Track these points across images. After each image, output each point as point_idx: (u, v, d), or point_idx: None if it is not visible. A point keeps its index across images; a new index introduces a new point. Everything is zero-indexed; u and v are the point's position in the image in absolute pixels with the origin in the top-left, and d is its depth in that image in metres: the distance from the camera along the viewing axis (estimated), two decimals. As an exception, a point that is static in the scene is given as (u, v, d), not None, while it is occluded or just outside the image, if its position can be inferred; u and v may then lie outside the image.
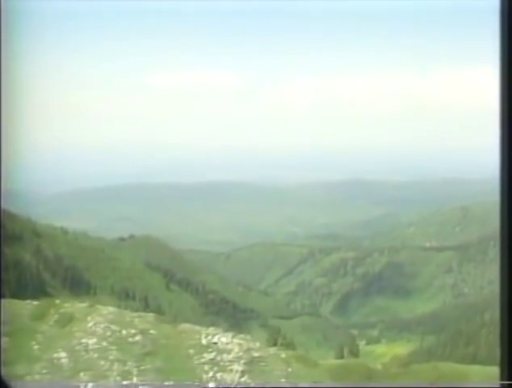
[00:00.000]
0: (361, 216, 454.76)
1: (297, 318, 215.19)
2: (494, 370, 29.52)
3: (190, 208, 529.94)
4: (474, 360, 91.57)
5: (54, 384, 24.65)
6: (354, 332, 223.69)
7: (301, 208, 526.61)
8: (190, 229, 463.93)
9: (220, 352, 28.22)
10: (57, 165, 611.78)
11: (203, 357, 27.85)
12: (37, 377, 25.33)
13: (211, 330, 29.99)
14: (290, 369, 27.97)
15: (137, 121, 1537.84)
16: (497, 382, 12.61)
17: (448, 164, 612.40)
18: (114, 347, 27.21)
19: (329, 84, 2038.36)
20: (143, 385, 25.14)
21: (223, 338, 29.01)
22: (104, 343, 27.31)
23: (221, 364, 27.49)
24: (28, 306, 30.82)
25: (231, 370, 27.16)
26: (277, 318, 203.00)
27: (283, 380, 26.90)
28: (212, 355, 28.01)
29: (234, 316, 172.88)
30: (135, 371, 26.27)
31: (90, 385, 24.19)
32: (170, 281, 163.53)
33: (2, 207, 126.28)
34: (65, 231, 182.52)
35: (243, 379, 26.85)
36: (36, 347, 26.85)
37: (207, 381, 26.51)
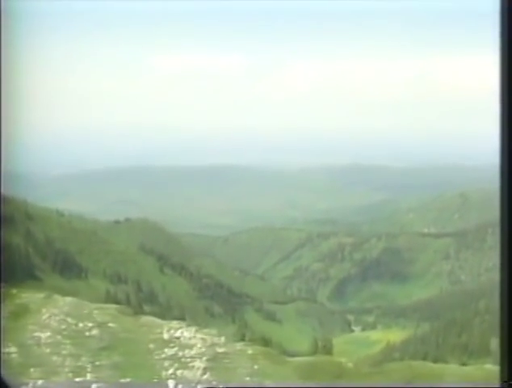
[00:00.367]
0: (361, 201, 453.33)
1: (292, 303, 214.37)
2: (471, 370, 28.00)
3: (190, 191, 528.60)
4: (465, 350, 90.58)
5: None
6: (350, 318, 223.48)
7: (301, 192, 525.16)
8: (190, 212, 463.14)
9: (182, 347, 26.73)
10: (58, 147, 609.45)
11: (163, 353, 26.36)
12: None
13: (174, 323, 28.41)
14: (256, 367, 26.44)
15: (139, 104, 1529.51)
16: (497, 382, 11.93)
17: (449, 150, 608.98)
18: (68, 342, 25.68)
19: (332, 69, 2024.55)
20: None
21: (186, 332, 27.47)
22: (58, 337, 25.76)
23: (182, 360, 25.97)
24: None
25: (192, 367, 25.62)
26: (272, 303, 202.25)
27: (247, 379, 25.36)
28: (174, 350, 26.52)
29: (228, 301, 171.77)
30: (89, 367, 24.72)
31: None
32: (164, 265, 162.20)
33: (2, 191, 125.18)
34: (60, 214, 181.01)
35: (205, 377, 25.32)
36: (-15, 341, 25.32)
37: (167, 379, 24.99)
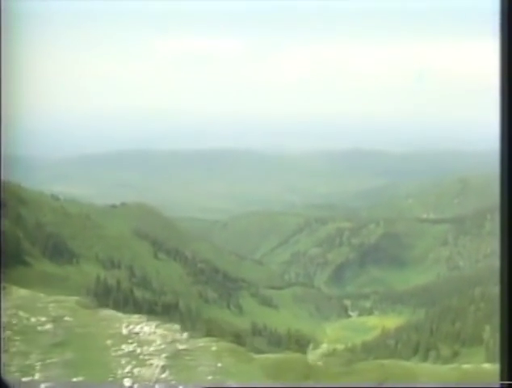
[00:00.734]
0: (360, 186, 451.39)
1: (289, 288, 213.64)
2: (446, 370, 26.49)
3: (190, 175, 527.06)
4: (458, 338, 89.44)
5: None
6: (347, 303, 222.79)
7: (301, 177, 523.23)
8: (189, 196, 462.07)
9: (141, 343, 25.16)
10: (58, 131, 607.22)
11: (120, 349, 24.79)
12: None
13: (134, 318, 26.80)
14: (220, 364, 24.89)
15: (139, 87, 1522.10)
16: (497, 382, 12.48)
17: (449, 135, 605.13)
18: (18, 338, 24.09)
19: (332, 54, 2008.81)
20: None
21: (146, 327, 25.89)
22: (8, 333, 24.17)
23: (140, 357, 24.42)
24: None
25: (150, 365, 24.08)
26: (268, 288, 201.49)
27: (209, 377, 23.82)
28: (132, 347, 24.96)
29: (224, 286, 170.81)
30: (38, 365, 23.15)
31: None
32: (159, 250, 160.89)
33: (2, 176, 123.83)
34: (55, 198, 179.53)
35: (163, 375, 23.79)
36: None
37: (122, 377, 23.46)
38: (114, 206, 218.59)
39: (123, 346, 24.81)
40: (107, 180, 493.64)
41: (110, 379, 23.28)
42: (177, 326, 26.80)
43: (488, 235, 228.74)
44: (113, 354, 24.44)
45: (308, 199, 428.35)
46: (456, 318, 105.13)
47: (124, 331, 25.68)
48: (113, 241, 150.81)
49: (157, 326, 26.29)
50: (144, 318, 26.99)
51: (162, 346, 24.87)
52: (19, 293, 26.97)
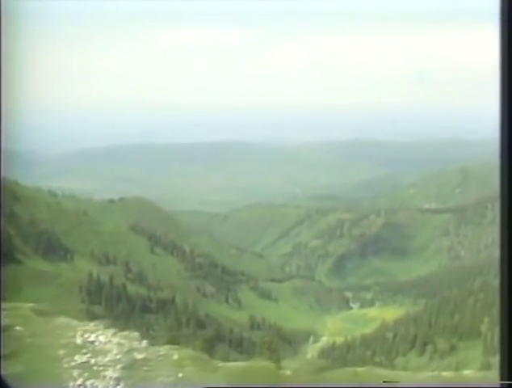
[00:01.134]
0: (362, 176, 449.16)
1: (289, 280, 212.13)
2: (425, 378, 24.73)
3: (190, 168, 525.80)
4: (456, 331, 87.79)
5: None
6: (349, 295, 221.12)
7: (302, 168, 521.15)
8: (190, 189, 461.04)
9: (96, 353, 23.41)
10: (59, 126, 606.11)
11: (73, 360, 23.05)
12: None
13: (90, 326, 25.03)
14: (181, 375, 23.15)
15: (138, 81, 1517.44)
16: (497, 382, 12.08)
17: (450, 125, 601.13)
18: (-39, 351, 22.36)
19: (332, 45, 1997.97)
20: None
21: (102, 336, 24.12)
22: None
23: (94, 368, 22.68)
24: None
25: (104, 377, 22.33)
26: (268, 281, 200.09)
27: (167, 389, 22.08)
28: (86, 357, 23.22)
29: (222, 279, 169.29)
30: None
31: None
32: (155, 245, 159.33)
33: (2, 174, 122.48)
34: (52, 194, 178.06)
35: (118, 387, 22.07)
36: None
37: (75, 390, 21.76)
38: (112, 201, 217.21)
39: (77, 357, 23.08)
40: (106, 175, 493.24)
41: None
42: (136, 334, 25.03)
43: (489, 225, 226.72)
44: (65, 365, 22.75)
45: (309, 190, 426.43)
46: (456, 310, 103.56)
47: (79, 340, 23.96)
48: (109, 236, 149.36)
49: (113, 335, 24.51)
50: (100, 325, 25.20)
51: (118, 356, 23.13)
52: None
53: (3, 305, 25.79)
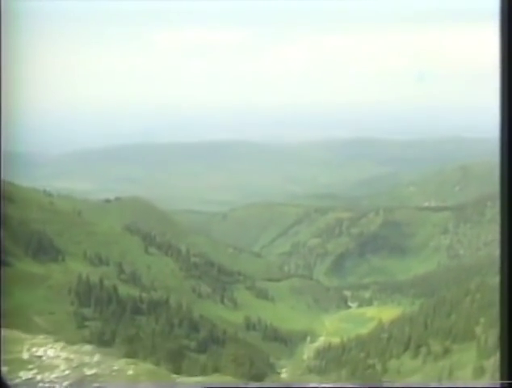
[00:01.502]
0: (362, 175, 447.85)
1: (287, 280, 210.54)
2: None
3: (190, 168, 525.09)
4: (450, 333, 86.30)
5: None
6: (347, 294, 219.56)
7: (302, 167, 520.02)
8: (189, 189, 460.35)
9: (42, 369, 21.91)
10: (59, 127, 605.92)
11: (18, 377, 21.56)
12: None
13: (39, 339, 23.51)
14: (132, 391, 21.68)
15: (137, 81, 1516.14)
16: (497, 382, 11.99)
17: (450, 123, 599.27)
18: None
19: (332, 43, 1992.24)
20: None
21: (50, 350, 22.61)
22: None
23: (39, 386, 21.19)
24: None
25: (50, 395, 20.84)
26: (265, 281, 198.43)
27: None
28: (31, 373, 21.72)
29: (218, 279, 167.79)
30: None
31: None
32: (150, 245, 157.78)
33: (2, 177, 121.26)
34: (48, 194, 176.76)
35: (64, 407, 20.56)
36: None
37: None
38: (108, 201, 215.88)
39: (22, 373, 21.59)
40: (106, 175, 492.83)
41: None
42: (88, 347, 23.54)
43: (489, 223, 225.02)
44: (8, 383, 21.23)
45: (309, 189, 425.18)
46: (452, 311, 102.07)
47: (25, 355, 22.48)
48: (102, 237, 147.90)
49: (62, 349, 23.01)
50: (50, 339, 23.70)
51: (66, 372, 21.65)
52: None
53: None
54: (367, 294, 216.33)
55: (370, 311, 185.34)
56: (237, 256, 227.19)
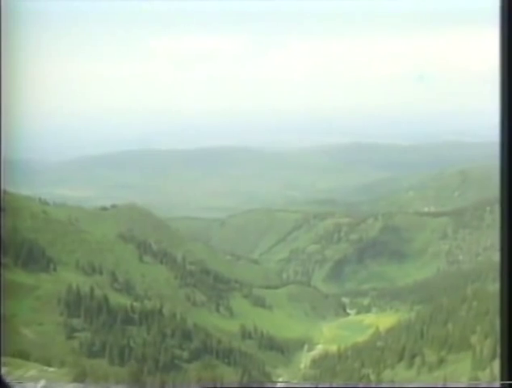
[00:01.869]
0: (361, 180, 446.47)
1: (284, 287, 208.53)
2: None
3: (189, 174, 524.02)
4: (445, 342, 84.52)
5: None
6: (345, 300, 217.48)
7: (301, 172, 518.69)
8: (188, 195, 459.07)
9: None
10: (57, 134, 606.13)
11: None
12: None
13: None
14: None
15: (136, 87, 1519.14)
16: (497, 382, 8.92)
17: (449, 128, 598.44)
18: None
19: (331, 48, 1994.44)
20: None
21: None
22: None
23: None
24: None
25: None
26: (263, 288, 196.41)
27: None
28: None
29: (214, 287, 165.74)
30: None
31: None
32: (144, 253, 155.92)
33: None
34: (43, 202, 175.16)
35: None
36: None
37: None
38: (104, 208, 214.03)
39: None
40: (105, 181, 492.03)
41: None
42: (33, 372, 21.91)
43: (488, 228, 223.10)
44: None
45: (309, 194, 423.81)
46: (449, 319, 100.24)
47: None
48: (96, 245, 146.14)
49: (6, 374, 21.37)
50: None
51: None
52: None
53: None
54: (365, 301, 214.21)
55: (368, 318, 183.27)
56: (235, 263, 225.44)
